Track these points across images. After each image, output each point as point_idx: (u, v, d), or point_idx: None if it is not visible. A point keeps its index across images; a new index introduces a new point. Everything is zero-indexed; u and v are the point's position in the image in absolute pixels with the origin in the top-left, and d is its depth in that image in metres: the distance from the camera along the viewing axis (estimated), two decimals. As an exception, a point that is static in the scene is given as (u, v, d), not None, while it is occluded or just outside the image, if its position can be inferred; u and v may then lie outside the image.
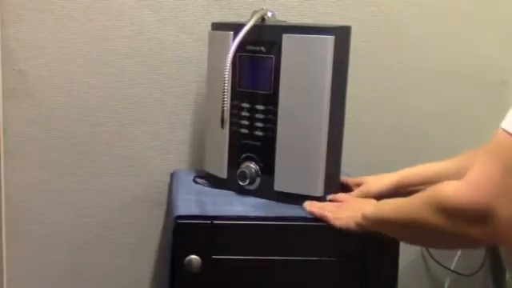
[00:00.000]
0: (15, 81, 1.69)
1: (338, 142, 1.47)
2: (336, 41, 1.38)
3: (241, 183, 1.48)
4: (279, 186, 1.45)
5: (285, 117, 1.42)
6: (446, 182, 1.07)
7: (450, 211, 1.04)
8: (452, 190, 1.04)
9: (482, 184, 1.01)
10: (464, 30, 1.78)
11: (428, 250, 1.81)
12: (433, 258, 1.81)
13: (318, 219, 1.37)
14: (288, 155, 1.43)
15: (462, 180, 1.03)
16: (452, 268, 1.81)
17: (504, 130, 1.02)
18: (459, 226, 1.06)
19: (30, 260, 1.77)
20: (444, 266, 1.81)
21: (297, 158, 1.42)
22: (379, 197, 1.40)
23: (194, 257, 1.33)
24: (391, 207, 1.23)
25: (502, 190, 1.00)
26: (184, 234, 1.35)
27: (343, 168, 1.50)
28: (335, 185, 1.49)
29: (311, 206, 1.40)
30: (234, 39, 1.41)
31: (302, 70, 1.39)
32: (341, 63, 1.42)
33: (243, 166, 1.48)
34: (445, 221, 1.07)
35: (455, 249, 1.73)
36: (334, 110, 1.41)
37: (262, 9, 1.46)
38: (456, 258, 1.80)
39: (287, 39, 1.40)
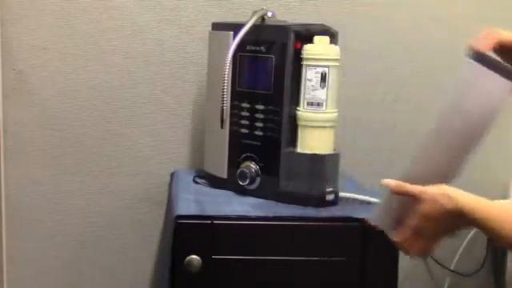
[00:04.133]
0: (15, 81, 1.69)
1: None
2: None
3: (241, 183, 1.47)
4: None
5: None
6: None
7: None
8: None
9: None
10: (464, 30, 1.77)
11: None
12: (433, 258, 1.81)
13: (316, 219, 1.37)
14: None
15: None
16: (452, 268, 1.81)
17: None
18: None
19: (30, 260, 1.77)
20: (444, 266, 1.81)
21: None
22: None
23: (194, 257, 1.33)
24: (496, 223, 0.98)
25: None
26: (184, 234, 1.35)
27: (343, 167, 1.50)
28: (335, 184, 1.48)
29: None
30: (233, 39, 1.41)
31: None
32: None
33: (243, 165, 1.48)
34: None
35: None
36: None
37: (262, 9, 1.46)
38: (456, 258, 1.80)
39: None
